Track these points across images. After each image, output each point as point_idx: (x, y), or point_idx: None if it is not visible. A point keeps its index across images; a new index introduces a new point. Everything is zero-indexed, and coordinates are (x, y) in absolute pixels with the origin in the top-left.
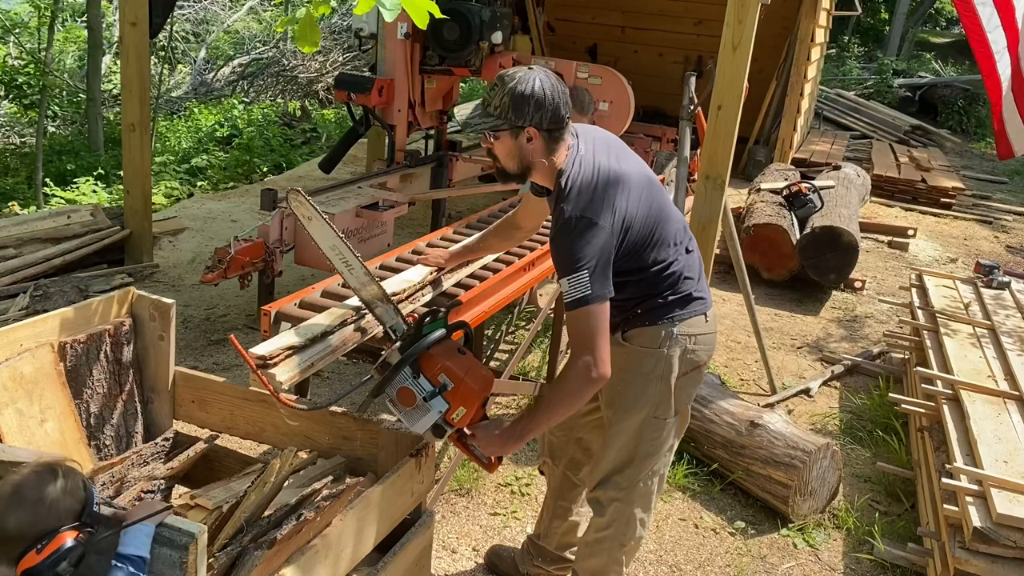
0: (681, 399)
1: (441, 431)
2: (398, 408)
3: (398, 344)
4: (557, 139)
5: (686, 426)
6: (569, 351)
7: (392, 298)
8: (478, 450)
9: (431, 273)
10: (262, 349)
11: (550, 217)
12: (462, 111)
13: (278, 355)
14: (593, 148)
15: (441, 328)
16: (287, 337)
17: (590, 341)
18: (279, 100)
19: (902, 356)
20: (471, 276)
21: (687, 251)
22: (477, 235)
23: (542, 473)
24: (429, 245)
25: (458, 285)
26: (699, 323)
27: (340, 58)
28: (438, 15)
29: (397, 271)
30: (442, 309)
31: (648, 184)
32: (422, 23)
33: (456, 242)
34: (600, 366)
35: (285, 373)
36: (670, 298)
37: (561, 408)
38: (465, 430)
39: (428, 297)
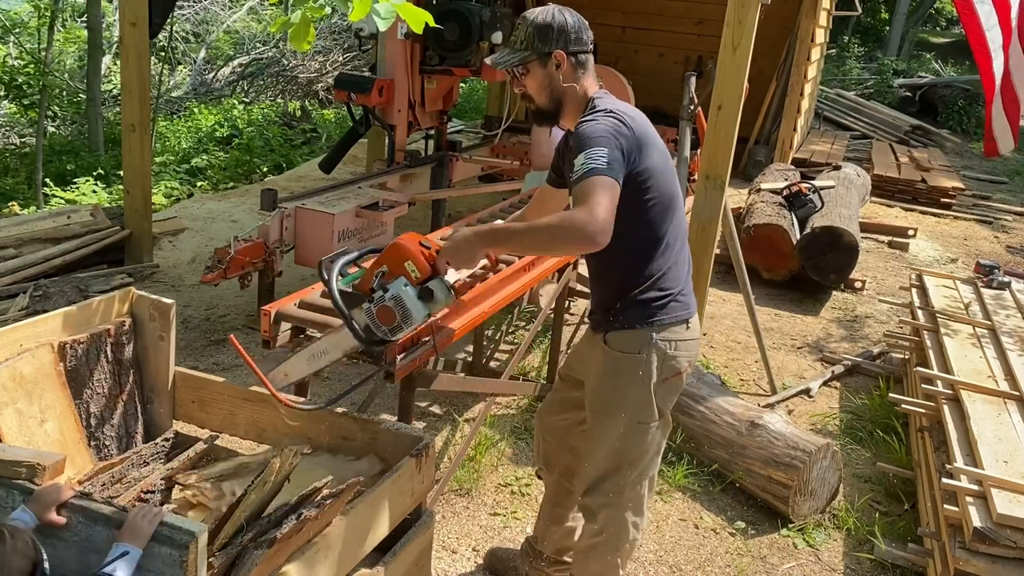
0: (662, 404)
1: (429, 293)
2: (396, 330)
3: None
4: (584, 63)
5: (669, 429)
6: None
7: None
8: (445, 265)
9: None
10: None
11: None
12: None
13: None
14: (621, 103)
15: (342, 260)
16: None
17: (594, 199)
18: (279, 100)
19: (902, 356)
20: (471, 276)
21: (683, 249)
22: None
23: (539, 478)
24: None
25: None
26: (680, 330)
27: (340, 58)
28: (432, 24)
29: None
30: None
31: (668, 155)
32: (418, 28)
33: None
34: (600, 226)
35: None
36: (650, 298)
37: (536, 240)
38: (440, 271)
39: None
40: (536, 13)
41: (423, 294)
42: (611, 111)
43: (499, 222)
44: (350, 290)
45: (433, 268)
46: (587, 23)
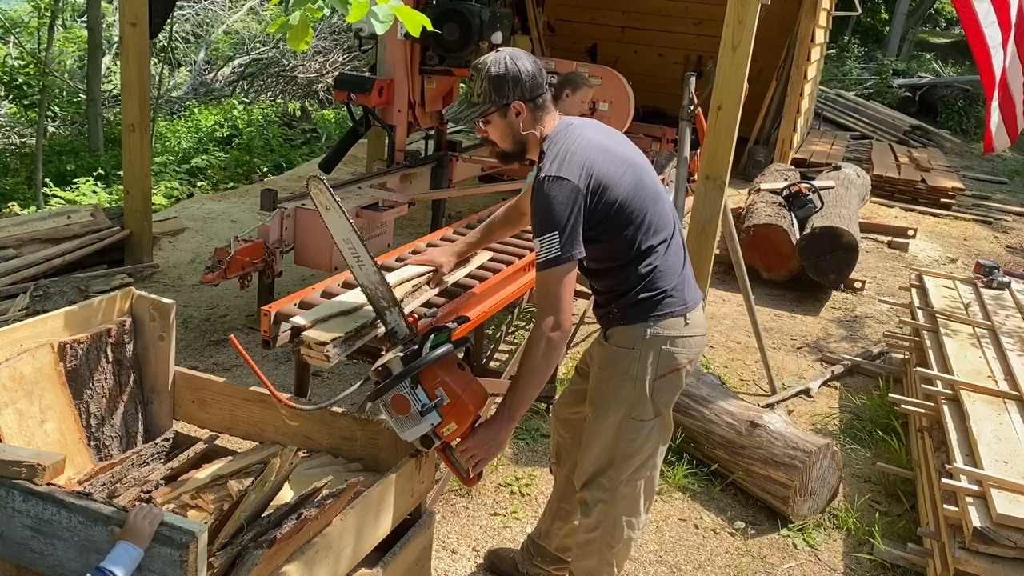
0: (659, 402)
1: (429, 442)
2: (391, 414)
3: (401, 353)
4: (542, 106)
5: (670, 431)
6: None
7: (398, 300)
8: (460, 462)
9: (431, 272)
10: (301, 320)
11: None
12: None
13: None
14: (584, 124)
15: (445, 344)
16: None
17: (553, 301)
18: (279, 100)
19: (902, 356)
20: (471, 276)
21: (671, 244)
22: (481, 226)
23: (551, 472)
24: (429, 245)
25: (458, 285)
26: (677, 325)
27: (340, 58)
28: (430, 28)
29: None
30: (449, 325)
31: (638, 164)
32: (415, 31)
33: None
34: (563, 325)
35: (335, 353)
36: (643, 297)
37: (537, 376)
38: (451, 443)
39: (427, 296)
40: (488, 64)
41: (426, 439)
42: (552, 176)
43: (504, 399)
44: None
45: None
46: (539, 63)
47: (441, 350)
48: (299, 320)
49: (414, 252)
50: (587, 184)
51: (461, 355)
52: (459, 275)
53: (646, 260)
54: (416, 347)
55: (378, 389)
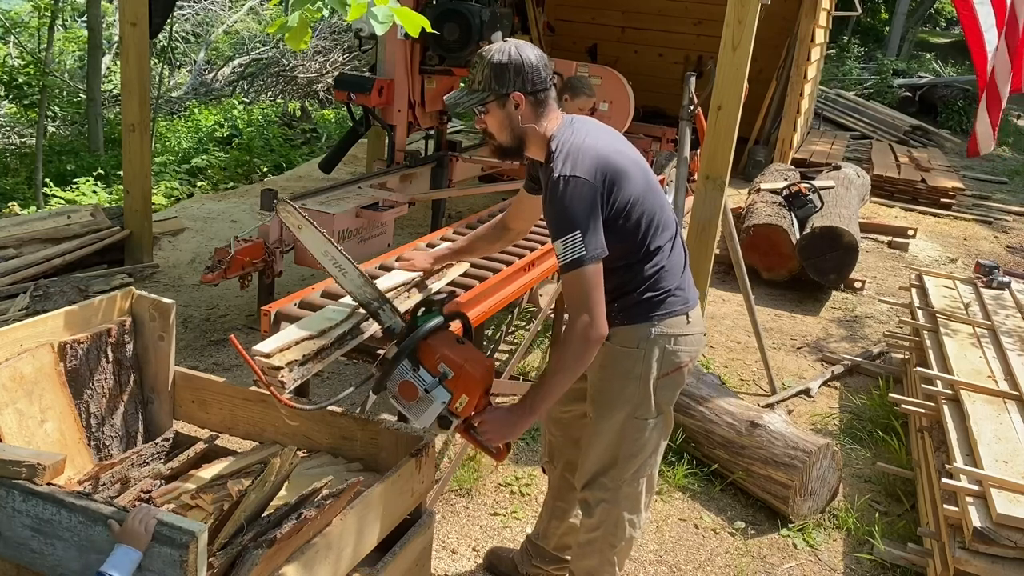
0: (662, 400)
1: (447, 422)
2: (401, 403)
3: (395, 341)
4: (543, 101)
5: (671, 428)
6: (567, 315)
7: (388, 297)
8: (485, 439)
9: (418, 276)
10: (265, 347)
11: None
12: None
13: (279, 352)
14: (587, 124)
15: (436, 318)
16: (290, 333)
17: (587, 301)
18: (279, 100)
19: (902, 356)
20: (469, 276)
21: (675, 243)
22: (465, 237)
23: (544, 471)
24: (428, 245)
25: (456, 285)
26: (680, 323)
27: (340, 58)
28: (429, 29)
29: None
30: (437, 297)
31: (643, 164)
32: (414, 32)
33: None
34: (598, 326)
35: (290, 378)
36: (647, 296)
37: (567, 374)
38: (472, 421)
39: (416, 299)
40: (492, 52)
41: (443, 420)
42: (567, 176)
43: (532, 389)
44: (415, 348)
45: (473, 416)
46: (546, 59)
47: (433, 323)
48: (262, 347)
49: (398, 259)
50: (603, 182)
51: (460, 330)
52: (435, 287)
53: (653, 259)
54: (407, 328)
55: (379, 378)
